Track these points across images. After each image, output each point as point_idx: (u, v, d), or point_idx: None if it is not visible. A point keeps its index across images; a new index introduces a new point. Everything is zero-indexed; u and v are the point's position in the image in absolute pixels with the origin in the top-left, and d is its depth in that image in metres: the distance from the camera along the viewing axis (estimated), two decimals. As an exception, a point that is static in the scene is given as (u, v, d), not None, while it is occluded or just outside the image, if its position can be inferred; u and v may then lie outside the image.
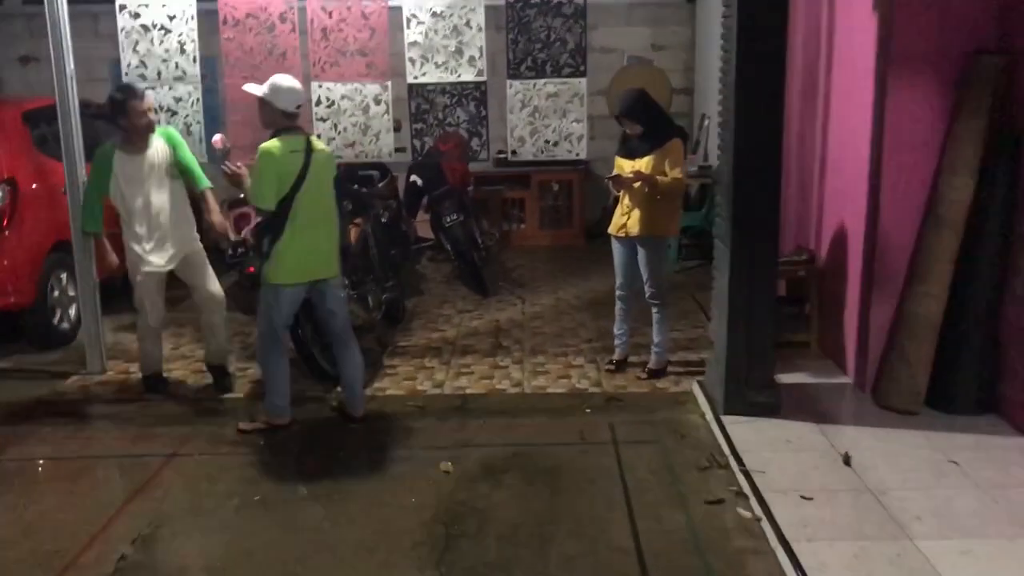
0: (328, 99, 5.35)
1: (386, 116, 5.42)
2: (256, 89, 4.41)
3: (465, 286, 7.63)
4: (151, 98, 4.99)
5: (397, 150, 6.38)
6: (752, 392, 4.68)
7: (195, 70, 5.38)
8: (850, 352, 5.15)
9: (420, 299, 7.32)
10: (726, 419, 4.63)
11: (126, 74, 5.33)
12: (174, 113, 5.49)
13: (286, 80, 4.41)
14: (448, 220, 7.25)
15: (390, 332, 6.36)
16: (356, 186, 6.22)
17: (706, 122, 8.96)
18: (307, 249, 4.46)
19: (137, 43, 5.38)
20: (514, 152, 5.50)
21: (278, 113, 4.39)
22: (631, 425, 4.71)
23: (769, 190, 4.50)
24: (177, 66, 5.35)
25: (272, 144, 4.36)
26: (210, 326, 5.25)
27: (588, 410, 4.92)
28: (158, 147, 5.03)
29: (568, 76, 5.34)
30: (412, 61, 5.34)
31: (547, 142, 5.43)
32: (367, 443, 4.59)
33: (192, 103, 5.41)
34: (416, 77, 5.37)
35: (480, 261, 7.48)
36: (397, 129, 5.88)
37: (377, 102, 5.39)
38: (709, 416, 4.74)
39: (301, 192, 4.37)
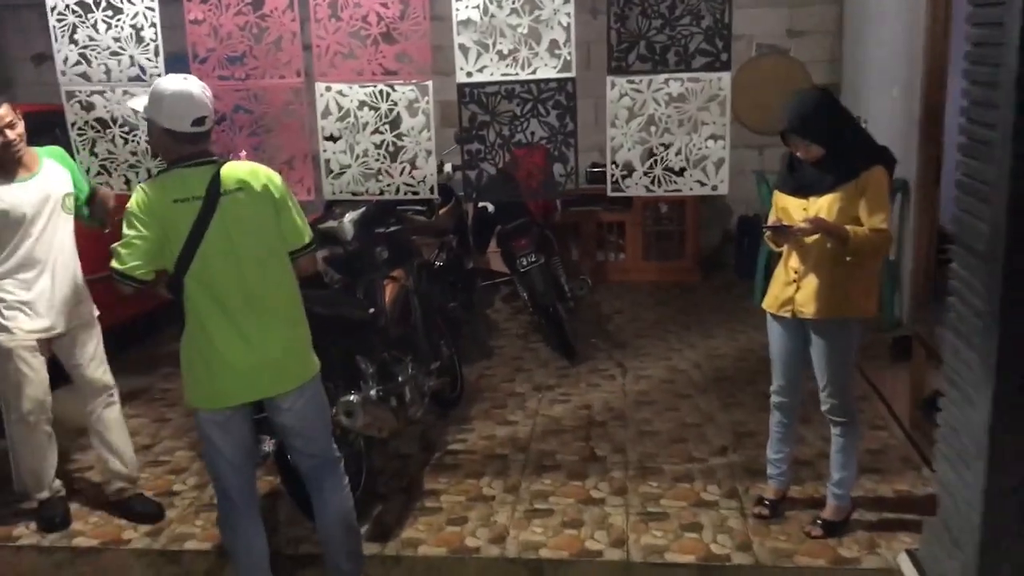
0: (340, 108, 3.60)
1: (426, 133, 3.64)
2: (138, 103, 2.85)
3: (546, 344, 5.84)
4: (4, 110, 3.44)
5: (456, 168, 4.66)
6: (1024, 603, 2.75)
7: (157, 67, 3.70)
8: None
9: (487, 364, 5.55)
10: (977, 647, 2.73)
11: (62, 73, 3.68)
12: (131, 129, 3.82)
13: (173, 83, 2.78)
14: (524, 263, 5.46)
15: (440, 425, 4.61)
16: (388, 226, 4.47)
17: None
18: (228, 353, 2.78)
19: (75, 29, 3.73)
20: (616, 183, 3.65)
21: (163, 136, 2.78)
22: (812, 651, 2.83)
23: (1076, 265, 2.57)
24: (132, 61, 3.67)
25: (141, 191, 2.76)
26: (100, 431, 3.77)
27: (735, 607, 3.07)
28: (51, 173, 3.56)
29: (702, 69, 3.47)
30: (464, 50, 3.55)
31: (668, 170, 3.57)
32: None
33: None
34: (470, 74, 3.58)
35: (566, 314, 5.67)
36: (461, 141, 4.06)
37: (413, 111, 3.62)
38: (944, 635, 2.84)
39: (201, 259, 2.73)
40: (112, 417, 3.76)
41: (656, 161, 3.60)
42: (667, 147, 3.58)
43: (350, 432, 3.61)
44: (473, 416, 4.75)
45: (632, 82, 3.53)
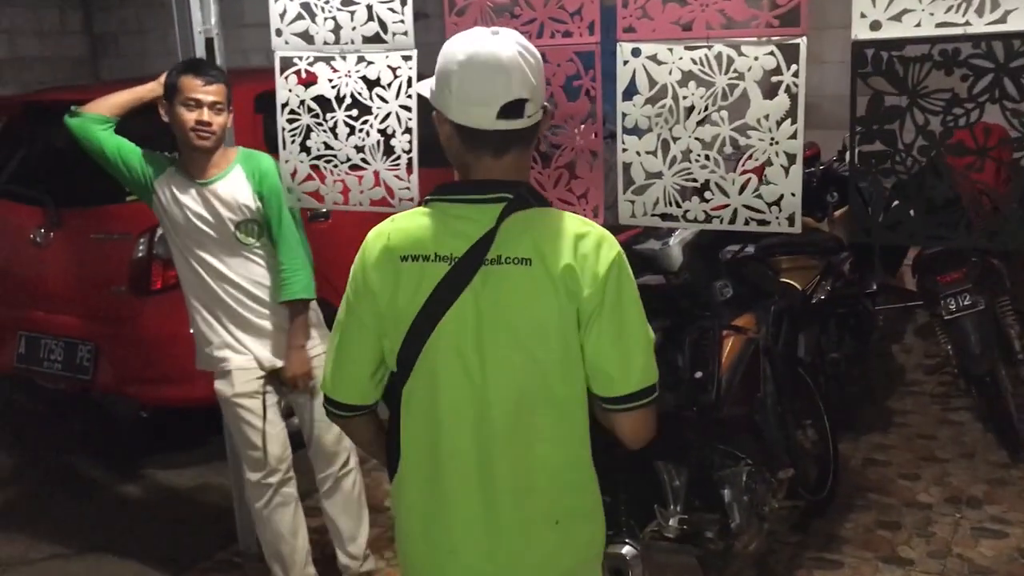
0: (651, 83, 2.26)
1: (789, 124, 2.18)
2: (427, 86, 1.64)
3: (976, 420, 4.04)
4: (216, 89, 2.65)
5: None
6: None
7: (403, 24, 2.56)
8: None
9: (880, 440, 3.93)
10: None
11: (277, 32, 2.75)
12: (361, 113, 2.69)
13: (470, 42, 1.54)
14: (952, 306, 3.70)
15: (789, 542, 3.17)
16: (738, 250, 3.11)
17: None
18: (454, 539, 1.62)
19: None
20: None
21: (453, 137, 1.58)
22: None
23: None
24: (370, 14, 2.63)
25: (374, 238, 1.60)
26: (327, 511, 2.96)
27: None
28: (230, 185, 2.68)
29: None
30: (871, -16, 2.02)
31: None
32: None
33: (404, 97, 2.64)
34: (876, 24, 2.04)
35: (1012, 386, 3.81)
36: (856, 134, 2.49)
37: (769, 89, 2.18)
38: None
39: (424, 366, 1.57)
40: (341, 498, 2.92)
41: None
42: None
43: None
44: (844, 536, 3.22)
45: None
